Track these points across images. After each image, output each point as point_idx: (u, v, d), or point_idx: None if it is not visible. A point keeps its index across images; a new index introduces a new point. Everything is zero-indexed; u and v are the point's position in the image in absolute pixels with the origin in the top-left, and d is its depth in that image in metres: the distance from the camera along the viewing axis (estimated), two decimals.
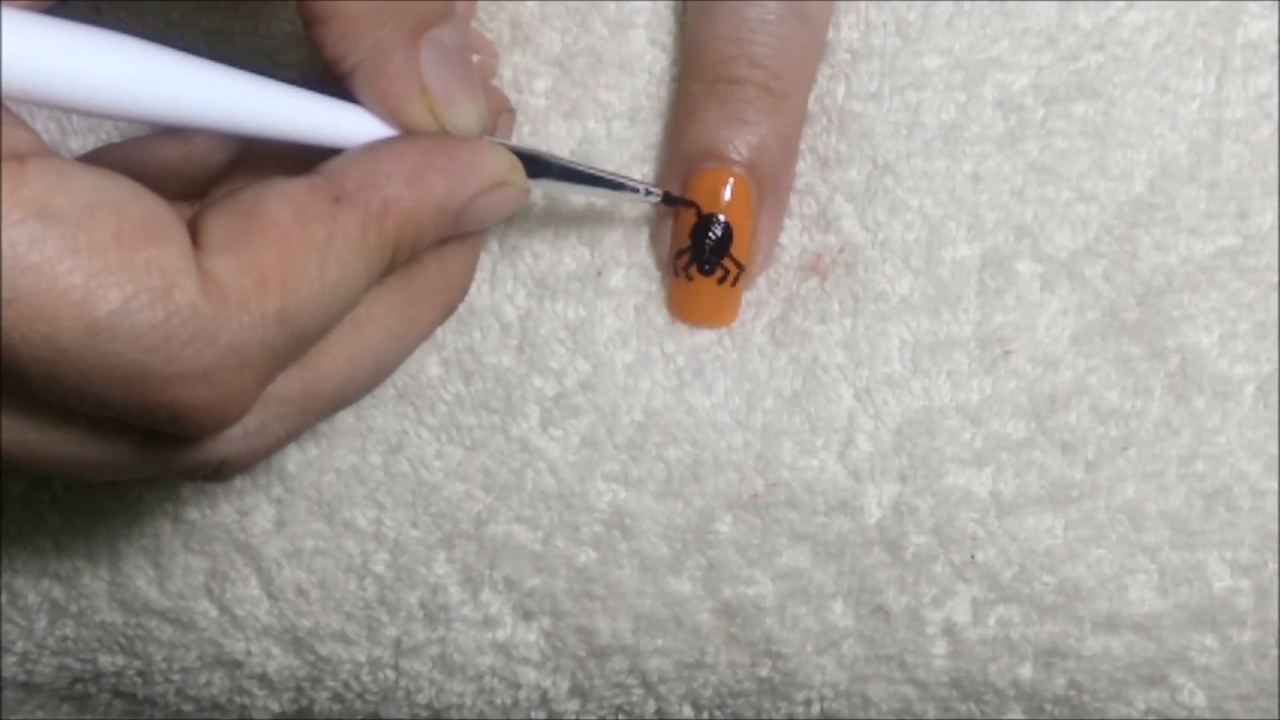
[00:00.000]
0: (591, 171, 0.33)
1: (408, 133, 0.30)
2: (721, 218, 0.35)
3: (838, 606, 0.37)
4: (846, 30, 0.37)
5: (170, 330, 0.25)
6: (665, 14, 0.37)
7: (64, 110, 0.25)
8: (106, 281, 0.24)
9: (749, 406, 0.36)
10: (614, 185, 0.34)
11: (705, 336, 0.37)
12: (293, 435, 0.30)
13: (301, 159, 0.29)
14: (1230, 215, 0.36)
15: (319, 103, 0.29)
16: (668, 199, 0.35)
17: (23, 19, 0.24)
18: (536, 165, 0.32)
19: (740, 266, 0.36)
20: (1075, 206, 0.36)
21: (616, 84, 0.37)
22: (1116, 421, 0.36)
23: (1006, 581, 0.37)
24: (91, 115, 0.26)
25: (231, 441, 0.28)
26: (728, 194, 0.35)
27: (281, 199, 0.27)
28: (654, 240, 0.37)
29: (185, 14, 0.37)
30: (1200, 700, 0.37)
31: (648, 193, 0.34)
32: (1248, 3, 0.36)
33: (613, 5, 0.37)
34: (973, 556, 0.37)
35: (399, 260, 0.29)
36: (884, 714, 0.38)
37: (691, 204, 0.35)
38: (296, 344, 0.27)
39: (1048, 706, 0.38)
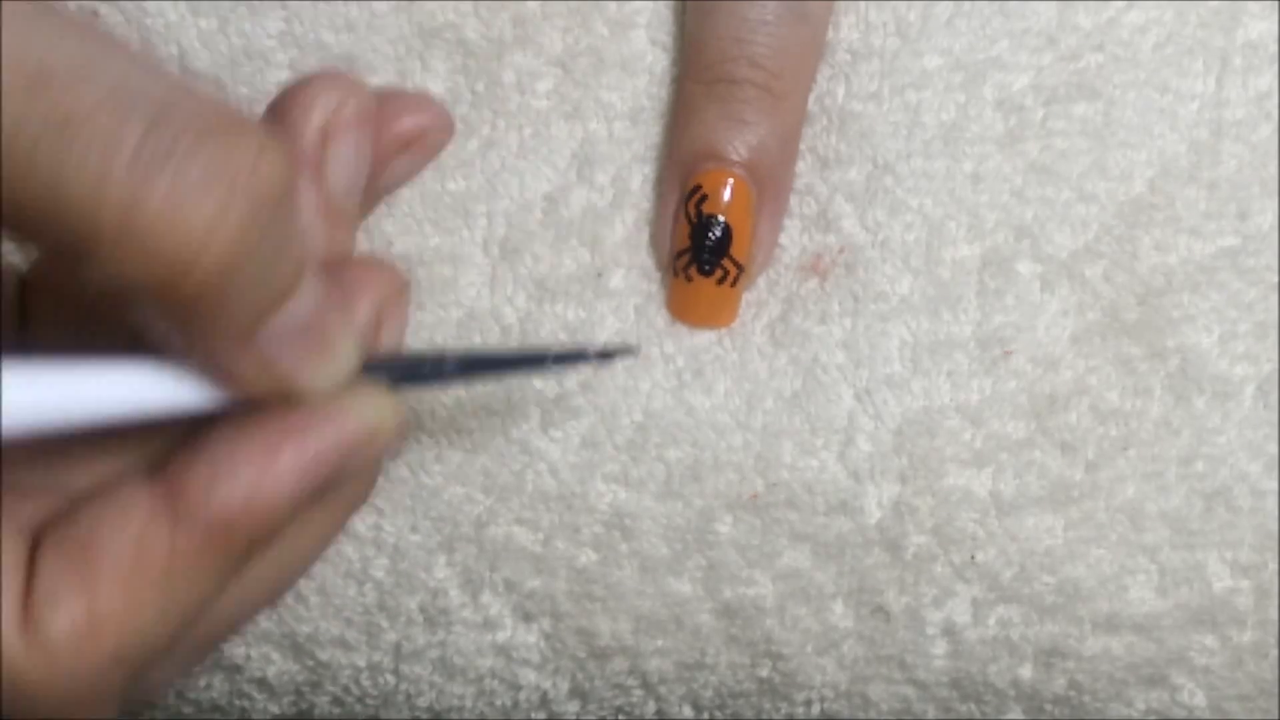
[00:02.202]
0: (498, 356, 0.32)
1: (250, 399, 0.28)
2: (721, 218, 0.35)
3: (838, 607, 0.37)
4: (846, 30, 0.37)
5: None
6: (666, 14, 0.37)
7: None
8: None
9: (749, 407, 0.36)
10: (525, 362, 0.32)
11: (705, 337, 0.37)
12: (190, 668, 0.30)
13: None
14: (1230, 215, 0.36)
15: (139, 372, 0.27)
16: (601, 355, 0.32)
17: None
18: (431, 368, 0.30)
19: (740, 267, 0.36)
20: (1075, 206, 0.36)
21: (618, 84, 0.37)
22: (1116, 422, 0.36)
23: (1006, 582, 0.37)
24: None
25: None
26: (727, 194, 0.35)
27: (119, 529, 0.26)
28: (654, 241, 0.37)
29: (182, 15, 0.37)
30: (1200, 700, 0.37)
31: (558, 358, 0.32)
32: (1248, 3, 0.36)
33: (613, 5, 0.37)
34: (973, 557, 0.37)
35: (255, 553, 0.28)
36: (884, 714, 0.38)
37: (618, 354, 0.33)
38: (141, 670, 0.27)
39: (1048, 707, 0.38)
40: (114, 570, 0.26)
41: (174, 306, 0.25)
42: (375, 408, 0.29)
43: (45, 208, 0.24)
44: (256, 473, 0.27)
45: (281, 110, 0.33)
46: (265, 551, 0.28)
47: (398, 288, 0.34)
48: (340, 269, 0.32)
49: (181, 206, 0.24)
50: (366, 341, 0.30)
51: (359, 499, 0.32)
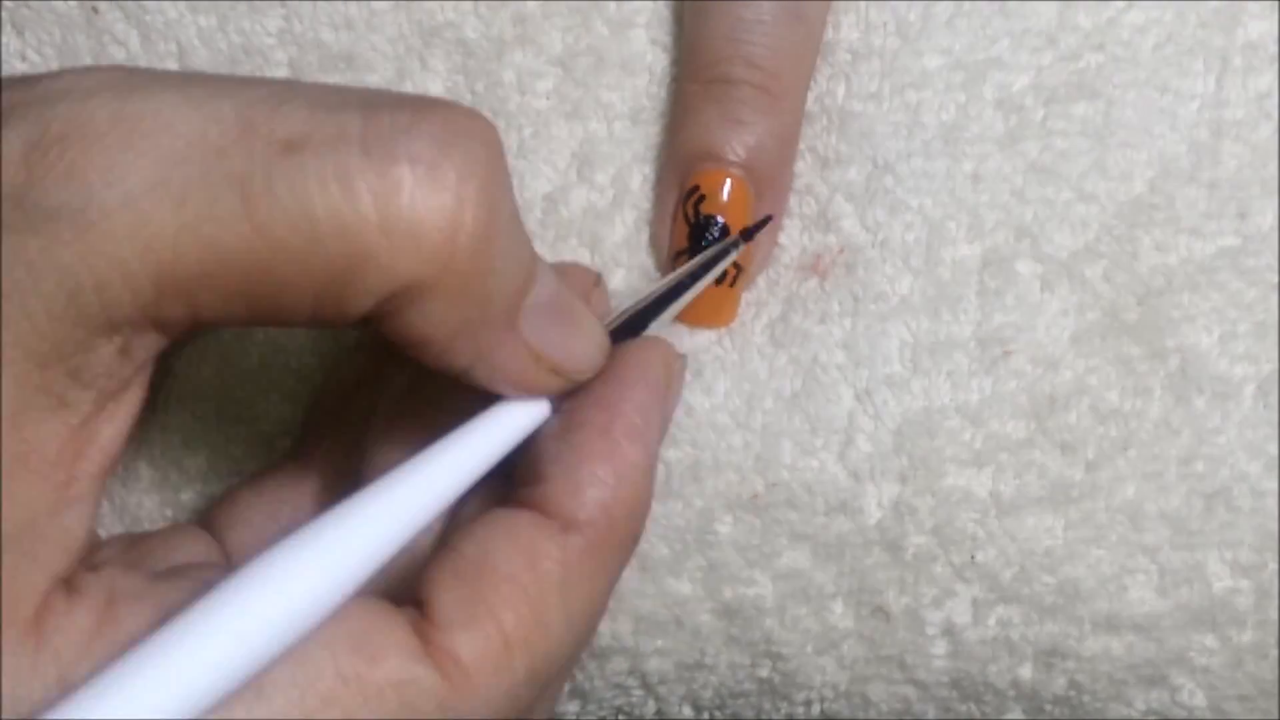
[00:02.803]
0: (683, 280, 0.33)
1: (552, 397, 0.30)
2: (719, 218, 0.35)
3: (838, 607, 0.37)
4: (846, 30, 0.37)
5: None
6: (665, 14, 0.37)
7: None
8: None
9: (748, 407, 0.36)
10: (706, 268, 0.34)
11: (705, 337, 0.37)
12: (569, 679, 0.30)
13: None
14: (1230, 215, 0.36)
15: (473, 435, 0.28)
16: (746, 234, 0.34)
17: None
18: (646, 316, 0.32)
19: (738, 267, 0.36)
20: (1075, 206, 0.36)
21: (618, 84, 0.37)
22: (1116, 422, 0.36)
23: (1006, 582, 0.37)
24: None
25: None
26: (725, 194, 0.35)
27: (509, 548, 0.27)
28: (653, 242, 0.37)
29: (181, 13, 0.37)
30: (1200, 700, 0.37)
31: (731, 247, 0.34)
32: (1248, 3, 0.36)
33: (613, 5, 0.37)
34: (972, 557, 0.37)
35: (636, 537, 0.29)
36: (884, 714, 0.38)
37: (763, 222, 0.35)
38: (547, 685, 0.28)
39: (1048, 707, 0.38)
40: (513, 588, 0.27)
41: (444, 300, 0.25)
42: (655, 356, 0.31)
43: (303, 238, 0.24)
44: (611, 461, 0.29)
45: None
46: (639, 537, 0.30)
47: (594, 279, 0.35)
48: None
49: (425, 186, 0.24)
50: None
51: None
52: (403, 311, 0.25)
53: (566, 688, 0.38)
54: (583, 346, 0.29)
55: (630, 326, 0.32)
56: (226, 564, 0.31)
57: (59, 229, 0.23)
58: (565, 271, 0.34)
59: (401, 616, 0.26)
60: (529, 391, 0.29)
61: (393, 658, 0.25)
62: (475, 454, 0.28)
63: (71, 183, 0.23)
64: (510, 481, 0.29)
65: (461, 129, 0.25)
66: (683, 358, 0.32)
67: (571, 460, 0.29)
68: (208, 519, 0.33)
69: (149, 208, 0.23)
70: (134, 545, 0.30)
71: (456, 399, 0.30)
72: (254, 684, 0.24)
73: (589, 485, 0.28)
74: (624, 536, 0.29)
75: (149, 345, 0.25)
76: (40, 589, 0.24)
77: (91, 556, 0.27)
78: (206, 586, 0.24)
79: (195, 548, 0.31)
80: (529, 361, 0.28)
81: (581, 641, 0.28)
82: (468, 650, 0.26)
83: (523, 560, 0.27)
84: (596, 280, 0.35)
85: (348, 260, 0.24)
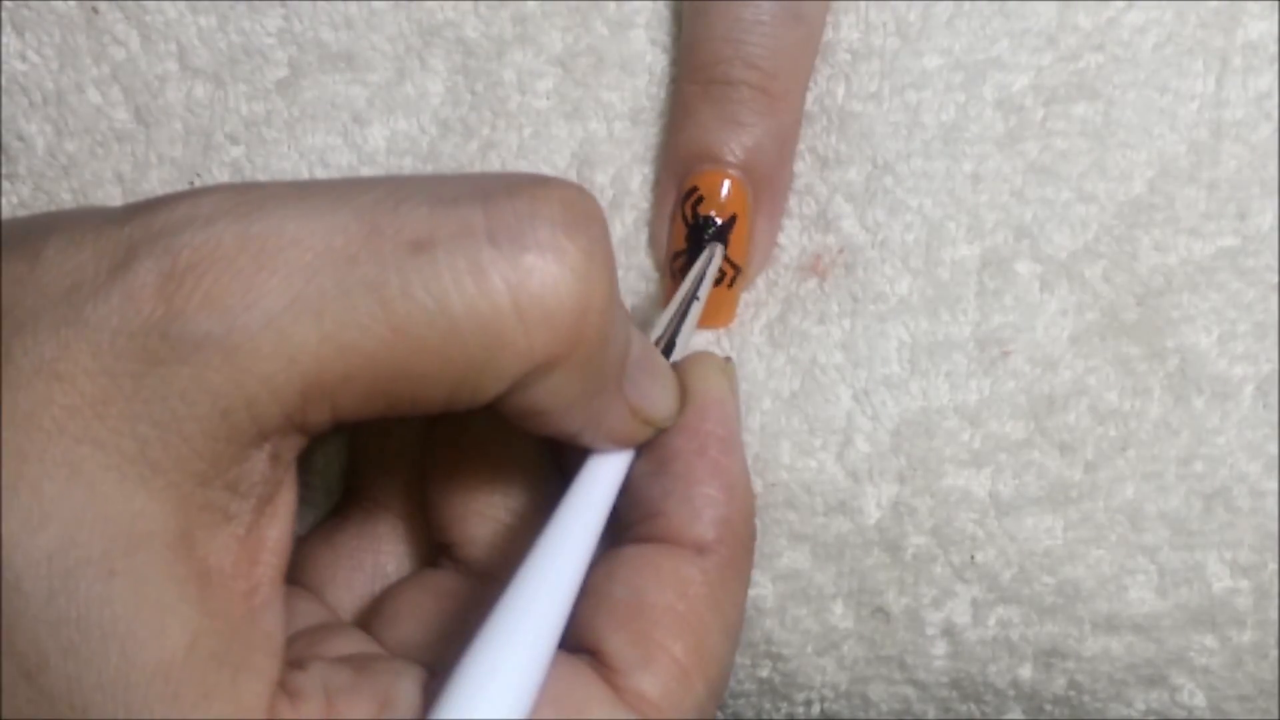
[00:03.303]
0: (691, 295, 0.34)
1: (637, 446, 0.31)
2: (717, 219, 0.35)
3: (838, 607, 0.37)
4: (846, 30, 0.37)
5: None
6: (665, 14, 0.37)
7: None
8: None
9: (747, 407, 0.36)
10: (700, 280, 0.35)
11: (704, 338, 0.37)
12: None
13: None
14: (1230, 216, 0.36)
15: (590, 494, 0.29)
16: (719, 236, 0.35)
17: None
18: (672, 341, 0.33)
19: (736, 268, 0.36)
20: (1075, 207, 0.36)
21: (617, 84, 0.37)
22: (1115, 422, 0.36)
23: (1006, 582, 0.37)
24: None
25: None
26: (723, 195, 0.35)
27: (658, 582, 0.29)
28: (652, 243, 0.37)
29: (181, 13, 0.37)
30: (1200, 700, 0.37)
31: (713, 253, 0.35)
32: (1248, 3, 0.36)
33: (613, 5, 0.37)
34: (972, 557, 0.37)
35: (754, 542, 0.32)
36: (884, 714, 0.38)
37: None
38: (720, 691, 0.29)
39: (1047, 707, 0.38)
40: (673, 618, 0.28)
41: (572, 372, 0.26)
42: (708, 374, 0.32)
43: (441, 333, 0.25)
44: (715, 477, 0.31)
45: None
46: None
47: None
48: None
49: (557, 266, 0.25)
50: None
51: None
52: (529, 388, 0.26)
53: None
54: (666, 394, 0.31)
55: (666, 353, 0.33)
56: (338, 620, 0.32)
57: (207, 356, 0.24)
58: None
59: (587, 668, 0.28)
60: (625, 445, 0.30)
61: (596, 708, 0.27)
62: (598, 511, 0.29)
63: (212, 310, 0.24)
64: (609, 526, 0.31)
65: (579, 210, 0.26)
66: (730, 360, 0.34)
67: (682, 489, 0.30)
68: (291, 574, 0.34)
69: (289, 324, 0.24)
70: None
71: (509, 433, 0.31)
72: None
73: (707, 506, 0.30)
74: (748, 541, 0.31)
75: (295, 446, 0.26)
76: (265, 698, 0.25)
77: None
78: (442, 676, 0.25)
79: (307, 608, 0.32)
80: (630, 418, 0.30)
81: (737, 645, 0.30)
82: (652, 687, 0.27)
83: (674, 591, 0.29)
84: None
85: (485, 350, 0.25)
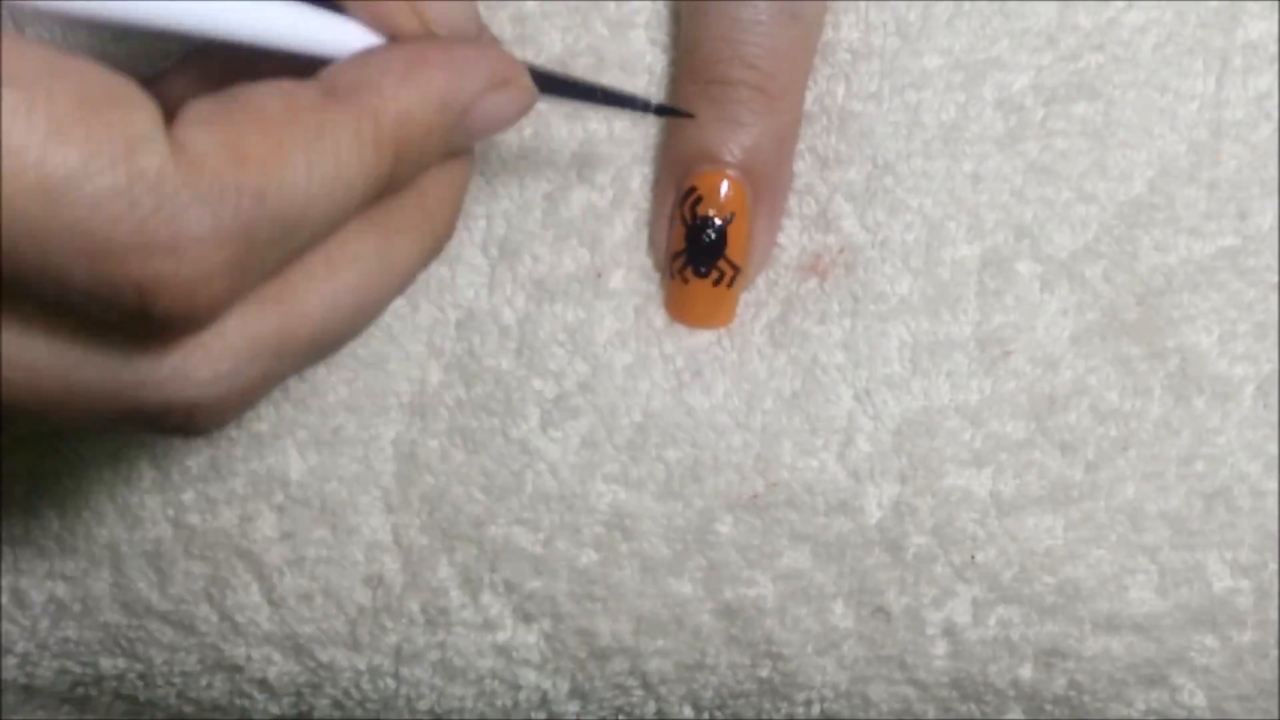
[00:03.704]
0: (581, 83, 0.32)
1: (395, 40, 0.28)
2: (716, 219, 0.35)
3: (838, 607, 0.37)
4: (846, 30, 0.37)
5: (134, 196, 0.23)
6: (664, 14, 0.37)
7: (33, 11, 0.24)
8: (63, 142, 0.22)
9: (748, 407, 0.36)
10: (604, 99, 0.32)
11: (704, 337, 0.37)
12: (269, 383, 0.28)
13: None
14: (1230, 215, 0.36)
15: (298, 10, 0.27)
16: (659, 110, 0.34)
17: None
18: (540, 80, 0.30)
19: (736, 268, 0.36)
20: (1075, 207, 0.36)
21: (617, 84, 0.37)
22: (1116, 422, 0.36)
23: (1007, 582, 0.37)
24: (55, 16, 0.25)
25: (204, 383, 0.26)
26: (722, 195, 0.35)
27: (270, 90, 0.25)
28: (652, 243, 0.37)
29: None
30: (1200, 700, 0.37)
31: (643, 105, 0.33)
32: (1248, 3, 0.36)
33: (613, 5, 0.37)
34: (973, 557, 0.37)
35: (401, 173, 0.27)
36: (884, 714, 0.38)
37: (687, 114, 0.34)
38: (280, 233, 0.25)
39: (1048, 707, 0.38)
40: (264, 115, 0.25)
41: None
42: (510, 60, 0.29)
43: None
44: (407, 71, 0.27)
45: None
46: (421, 190, 0.28)
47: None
48: None
49: None
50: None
51: (439, 233, 0.30)
52: None
53: (566, 687, 0.39)
54: (460, 9, 0.28)
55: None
56: None
57: None
58: None
59: (152, 100, 0.24)
60: (379, 19, 0.28)
61: (136, 113, 0.23)
62: (287, 21, 0.27)
63: None
64: None
65: None
66: (531, 94, 0.29)
67: (374, 55, 0.27)
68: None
69: None
70: None
71: None
72: None
73: (374, 71, 0.27)
74: (393, 142, 0.27)
75: None
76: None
77: None
78: None
79: None
80: None
81: (321, 221, 0.26)
82: (200, 145, 0.24)
83: (280, 101, 0.25)
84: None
85: None
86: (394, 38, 0.28)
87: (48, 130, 0.22)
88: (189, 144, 0.24)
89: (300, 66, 0.27)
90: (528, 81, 0.29)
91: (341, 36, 0.28)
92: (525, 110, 0.29)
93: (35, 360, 0.25)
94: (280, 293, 0.27)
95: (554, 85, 0.31)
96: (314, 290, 0.27)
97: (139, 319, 0.24)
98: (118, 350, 0.25)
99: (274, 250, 0.25)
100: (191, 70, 0.31)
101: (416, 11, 0.28)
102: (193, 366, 0.26)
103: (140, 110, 0.23)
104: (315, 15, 0.27)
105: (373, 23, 0.28)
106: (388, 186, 0.27)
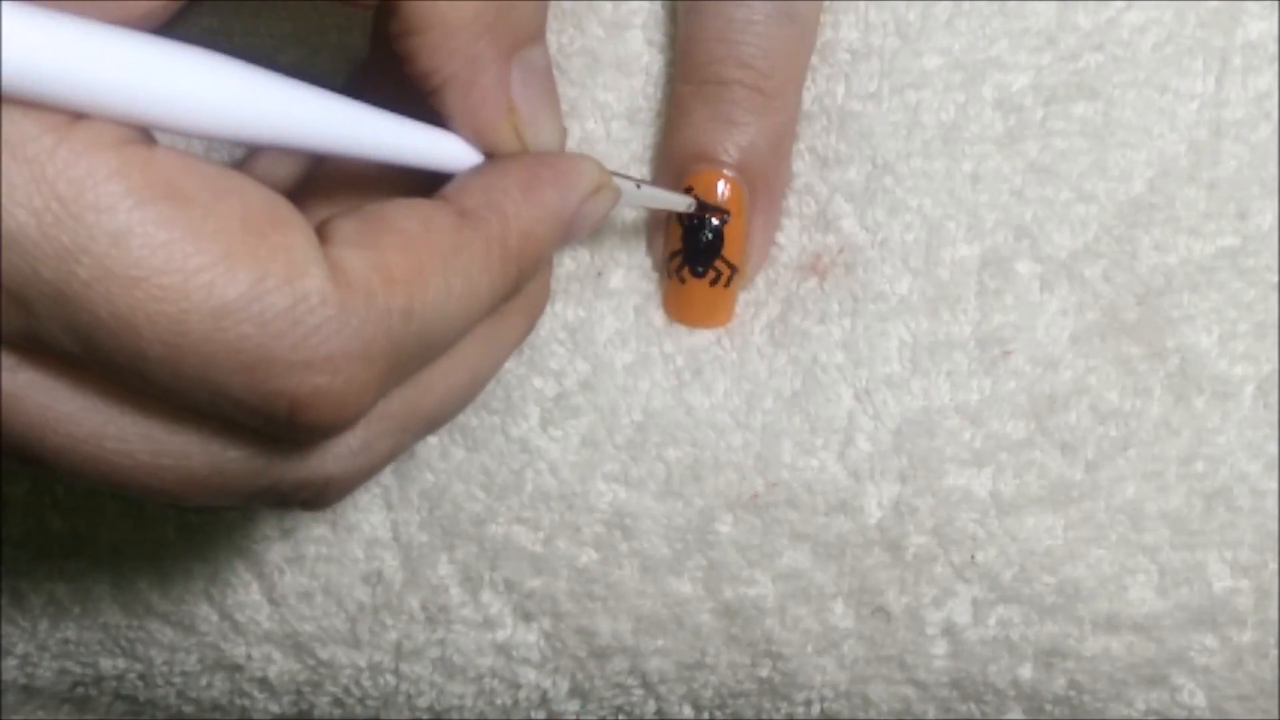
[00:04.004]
0: (646, 186, 0.34)
1: (493, 153, 0.30)
2: (714, 220, 0.35)
3: (838, 607, 0.37)
4: (846, 30, 0.37)
5: (297, 316, 0.24)
6: (661, 14, 0.37)
7: (151, 126, 0.25)
8: (235, 265, 0.24)
9: (748, 407, 0.36)
10: (650, 198, 0.34)
11: (704, 337, 0.37)
12: (393, 456, 0.30)
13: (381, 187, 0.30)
14: (1230, 215, 0.36)
15: (404, 125, 0.28)
16: (701, 207, 0.35)
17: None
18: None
19: (733, 268, 0.36)
20: (1075, 207, 0.36)
21: (613, 85, 0.37)
22: (1116, 422, 0.36)
23: (1007, 582, 0.37)
24: (170, 131, 0.25)
25: (339, 458, 0.28)
26: (719, 195, 0.35)
27: (408, 210, 0.27)
28: (651, 242, 0.37)
29: (186, 15, 0.37)
30: (1200, 700, 0.37)
31: (684, 204, 0.35)
32: (1248, 3, 0.36)
33: (609, 6, 0.37)
34: (973, 557, 0.37)
35: (524, 278, 0.29)
36: (884, 714, 0.38)
37: (723, 211, 0.35)
38: (420, 348, 0.27)
39: (1048, 707, 0.38)
40: (405, 237, 0.27)
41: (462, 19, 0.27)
42: (598, 167, 0.31)
43: None
44: (525, 189, 0.29)
45: None
46: (526, 287, 0.30)
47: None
48: None
49: None
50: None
51: (536, 314, 0.33)
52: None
53: (566, 686, 0.39)
54: (548, 124, 0.30)
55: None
56: None
57: None
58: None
59: (305, 219, 0.26)
60: (482, 135, 0.30)
61: (297, 234, 0.25)
62: (394, 136, 0.28)
63: None
64: None
65: None
66: (616, 191, 0.32)
67: (494, 175, 0.29)
68: None
69: None
70: None
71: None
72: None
73: (503, 197, 0.29)
74: (516, 258, 0.29)
75: None
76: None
77: None
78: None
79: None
80: (501, 105, 0.29)
81: (456, 330, 0.28)
82: (354, 266, 0.25)
83: (419, 222, 0.27)
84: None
85: None
86: (492, 154, 0.30)
87: (219, 254, 0.24)
88: (344, 266, 0.25)
89: (407, 175, 0.30)
90: (614, 183, 0.31)
91: (446, 151, 0.30)
92: (611, 209, 0.32)
93: (185, 447, 0.26)
94: (412, 377, 0.29)
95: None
96: (438, 374, 0.29)
97: (287, 426, 0.26)
98: (264, 441, 0.27)
99: (415, 362, 0.28)
100: (310, 178, 0.33)
101: (518, 131, 0.30)
102: (330, 449, 0.28)
103: (299, 232, 0.25)
104: (423, 132, 0.29)
105: (475, 139, 0.30)
106: (516, 288, 0.29)
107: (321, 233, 0.26)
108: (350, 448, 0.28)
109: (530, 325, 0.32)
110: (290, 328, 0.24)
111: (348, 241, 0.26)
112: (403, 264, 0.26)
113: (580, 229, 0.31)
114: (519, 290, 0.29)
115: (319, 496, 0.29)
